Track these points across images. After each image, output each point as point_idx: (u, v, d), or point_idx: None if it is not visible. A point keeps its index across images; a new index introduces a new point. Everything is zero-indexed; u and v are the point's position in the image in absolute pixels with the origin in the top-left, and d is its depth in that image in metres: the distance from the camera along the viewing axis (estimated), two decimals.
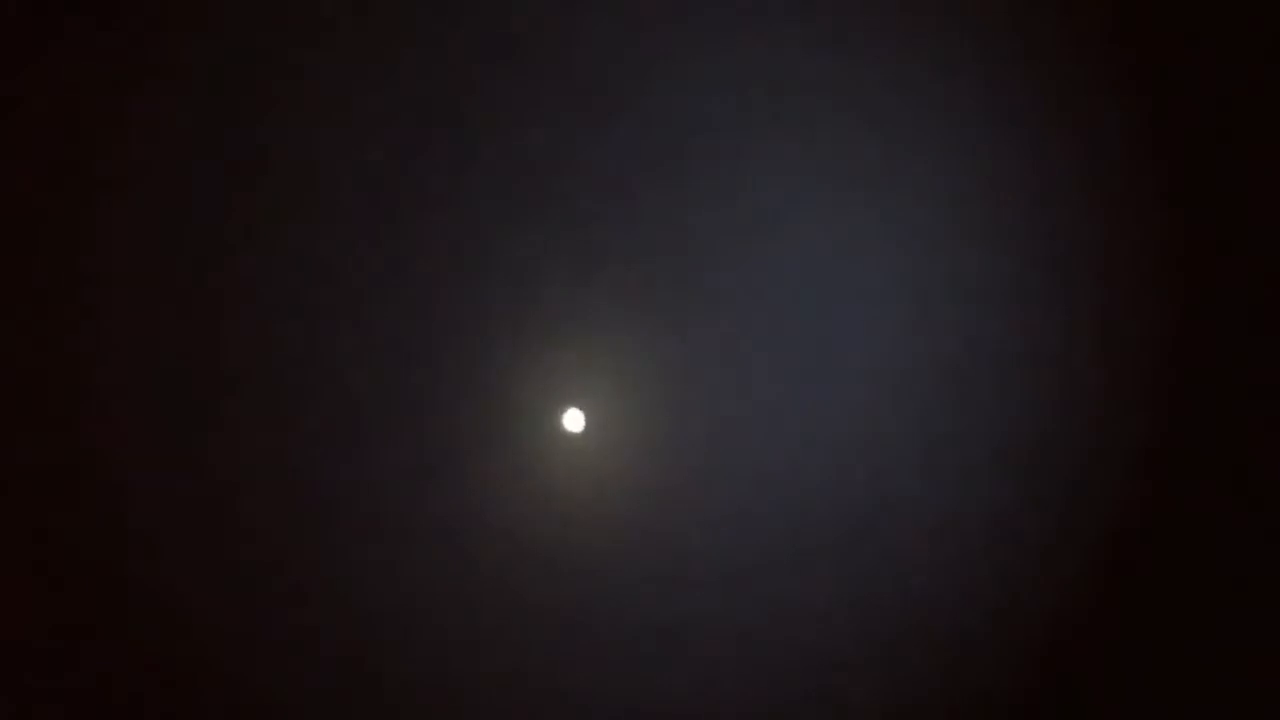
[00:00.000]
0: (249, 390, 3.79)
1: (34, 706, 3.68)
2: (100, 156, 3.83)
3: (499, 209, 3.86)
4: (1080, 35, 4.01)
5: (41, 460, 3.75)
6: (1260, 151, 3.98)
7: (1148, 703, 3.90)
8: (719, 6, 3.98)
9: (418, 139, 3.85)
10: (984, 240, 3.99)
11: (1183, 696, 3.89)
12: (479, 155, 3.85)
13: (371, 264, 3.81)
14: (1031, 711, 3.92)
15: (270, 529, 3.79)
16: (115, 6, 3.83)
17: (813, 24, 3.98)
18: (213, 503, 3.79)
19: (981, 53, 4.01)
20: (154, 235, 3.84)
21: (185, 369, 3.79)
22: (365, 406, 3.80)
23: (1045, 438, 3.97)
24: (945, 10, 4.00)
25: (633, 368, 3.88)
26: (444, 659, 3.82)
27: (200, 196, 3.83)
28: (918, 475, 3.93)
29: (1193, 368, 3.97)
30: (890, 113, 4.00)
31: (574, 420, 3.83)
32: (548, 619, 3.83)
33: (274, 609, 3.78)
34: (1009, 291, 3.98)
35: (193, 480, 3.79)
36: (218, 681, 3.77)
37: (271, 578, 3.78)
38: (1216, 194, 4.00)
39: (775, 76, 3.97)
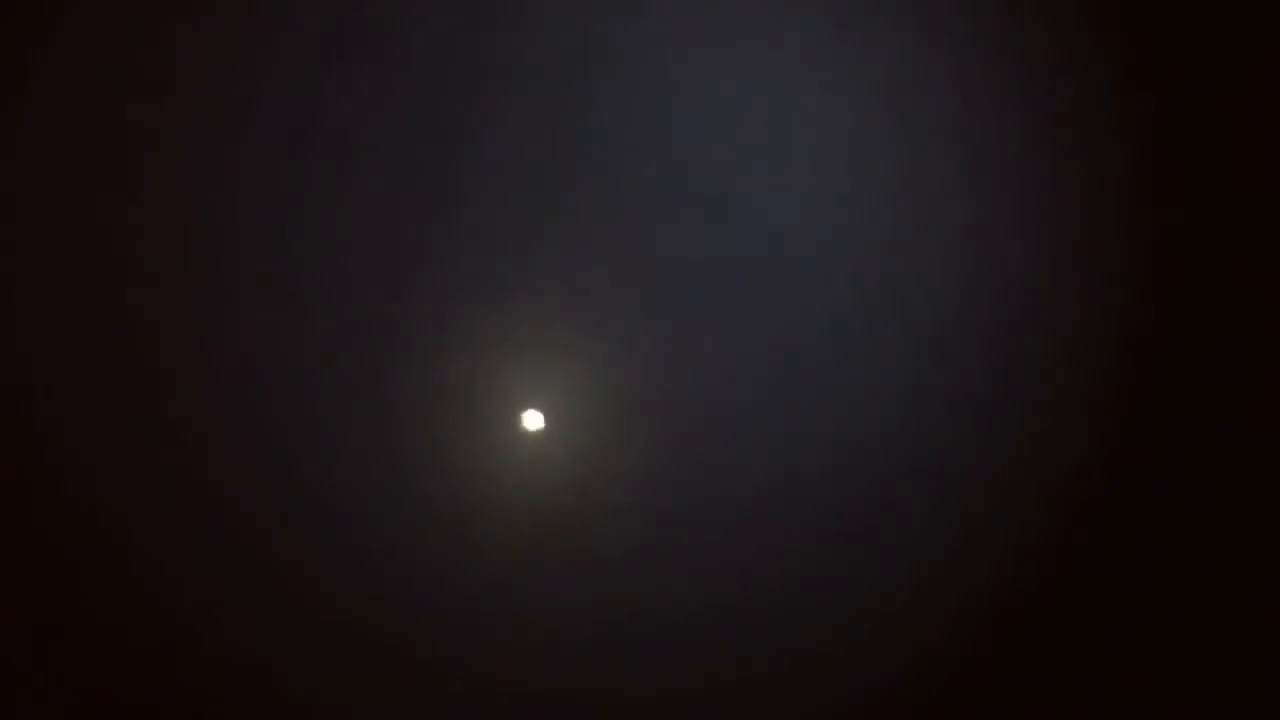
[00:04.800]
0: (220, 392, 3.86)
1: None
2: (94, 154, 3.93)
3: (459, 210, 3.88)
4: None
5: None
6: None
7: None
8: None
9: (386, 143, 3.88)
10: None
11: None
12: (442, 157, 3.87)
13: (330, 265, 3.86)
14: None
15: (239, 524, 3.85)
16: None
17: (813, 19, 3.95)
18: (191, 501, 3.87)
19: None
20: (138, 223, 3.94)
21: (159, 369, 3.87)
22: (327, 407, 3.84)
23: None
24: None
25: (592, 368, 3.86)
26: (404, 656, 3.83)
27: (184, 192, 3.91)
28: (888, 442, 3.85)
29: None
30: (886, 105, 3.95)
31: (533, 420, 3.83)
32: (508, 614, 3.83)
33: (243, 595, 3.84)
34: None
35: (177, 481, 3.87)
36: (194, 670, 3.84)
37: (237, 564, 3.84)
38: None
39: (769, 79, 3.94)
